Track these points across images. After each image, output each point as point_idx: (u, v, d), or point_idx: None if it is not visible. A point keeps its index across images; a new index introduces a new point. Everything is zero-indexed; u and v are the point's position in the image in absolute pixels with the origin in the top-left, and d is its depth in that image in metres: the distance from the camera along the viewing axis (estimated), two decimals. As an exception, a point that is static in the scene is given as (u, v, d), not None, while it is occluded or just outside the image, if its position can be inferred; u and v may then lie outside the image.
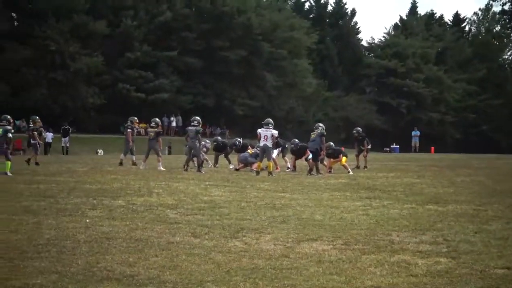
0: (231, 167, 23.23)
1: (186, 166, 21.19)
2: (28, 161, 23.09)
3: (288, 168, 22.67)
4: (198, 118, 21.73)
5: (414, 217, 10.68)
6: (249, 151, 22.83)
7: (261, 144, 20.28)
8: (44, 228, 9.02)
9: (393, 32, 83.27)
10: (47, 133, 39.02)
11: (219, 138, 27.02)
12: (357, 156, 24.72)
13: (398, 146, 54.25)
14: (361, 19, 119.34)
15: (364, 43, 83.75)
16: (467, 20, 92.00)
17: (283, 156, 23.87)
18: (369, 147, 25.08)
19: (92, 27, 52.34)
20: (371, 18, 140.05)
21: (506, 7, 74.20)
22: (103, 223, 9.60)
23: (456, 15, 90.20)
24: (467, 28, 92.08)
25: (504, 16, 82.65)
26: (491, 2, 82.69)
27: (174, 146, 44.55)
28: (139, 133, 41.19)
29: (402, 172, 21.94)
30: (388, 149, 53.65)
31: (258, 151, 21.14)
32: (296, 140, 23.30)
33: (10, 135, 18.93)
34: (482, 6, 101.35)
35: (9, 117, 19.40)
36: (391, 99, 73.61)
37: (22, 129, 42.05)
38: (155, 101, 54.64)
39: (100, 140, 46.13)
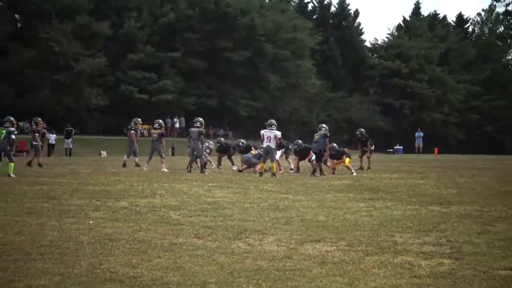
0: (234, 168, 23.22)
1: (189, 167, 21.18)
2: (29, 163, 23.10)
3: (291, 169, 22.65)
4: (200, 119, 21.73)
5: (418, 218, 10.66)
6: (252, 152, 22.83)
7: (264, 145, 20.26)
8: (47, 230, 9.02)
9: (396, 33, 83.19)
10: (51, 135, 39.10)
11: (222, 139, 27.03)
12: (361, 157, 24.68)
13: (401, 147, 54.23)
14: (364, 20, 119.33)
15: (367, 44, 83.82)
16: (471, 21, 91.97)
17: (286, 157, 23.85)
18: (373, 148, 25.04)
19: (96, 28, 52.44)
20: (375, 19, 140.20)
21: (510, 8, 74.26)
22: (106, 224, 9.61)
23: (460, 16, 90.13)
24: (470, 29, 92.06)
25: (508, 17, 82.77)
26: (494, 2, 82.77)
27: (178, 147, 44.55)
28: (142, 135, 41.26)
29: (405, 173, 21.91)
30: (391, 150, 53.63)
31: (261, 152, 21.12)
32: (299, 141, 23.29)
33: (13, 136, 18.95)
34: (486, 6, 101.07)
35: (12, 118, 19.41)
36: (394, 100, 73.55)
37: (25, 131, 42.09)
38: (159, 102, 54.71)
39: (103, 142, 46.20)
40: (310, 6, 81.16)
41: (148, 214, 10.79)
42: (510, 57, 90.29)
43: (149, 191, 14.40)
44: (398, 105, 73.36)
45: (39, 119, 24.92)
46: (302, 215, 10.90)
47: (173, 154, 42.73)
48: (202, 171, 20.45)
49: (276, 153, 20.81)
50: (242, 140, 25.01)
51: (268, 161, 20.35)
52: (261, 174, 19.81)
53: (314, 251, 7.85)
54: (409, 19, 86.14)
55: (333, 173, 21.61)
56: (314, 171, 20.41)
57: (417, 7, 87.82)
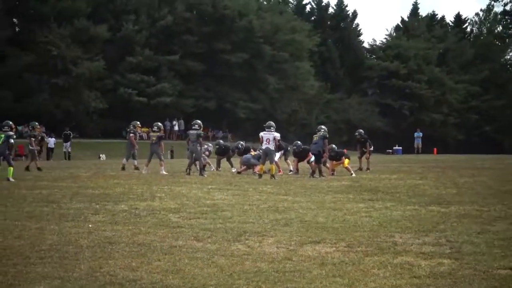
0: (233, 170, 23.20)
1: (188, 170, 21.18)
2: (27, 168, 23.07)
3: (290, 171, 22.65)
4: (199, 121, 21.73)
5: (417, 219, 10.67)
6: (252, 153, 22.83)
7: (263, 147, 20.27)
8: (46, 234, 9.02)
9: (394, 34, 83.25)
10: (50, 139, 39.12)
11: (221, 141, 27.01)
12: (360, 158, 24.71)
13: (400, 147, 54.31)
14: (362, 21, 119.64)
15: (365, 45, 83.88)
16: (469, 21, 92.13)
17: (285, 159, 23.85)
18: (372, 149, 25.07)
19: (94, 32, 52.40)
20: (373, 20, 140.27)
21: (508, 8, 74.29)
22: (106, 228, 9.60)
23: (458, 16, 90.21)
24: (468, 29, 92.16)
25: (506, 17, 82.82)
26: (492, 2, 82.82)
27: (177, 150, 44.56)
28: (141, 137, 41.22)
29: (404, 173, 21.93)
30: (390, 151, 53.69)
31: (261, 154, 21.12)
32: (299, 142, 23.28)
33: (12, 141, 18.94)
34: (484, 6, 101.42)
35: (11, 123, 19.38)
36: (393, 101, 73.58)
37: (24, 135, 42.04)
38: (157, 105, 54.71)
39: (102, 145, 46.18)
40: (308, 7, 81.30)
41: (147, 217, 10.79)
42: (508, 57, 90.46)
43: (149, 194, 14.39)
44: (397, 106, 73.40)
45: (36, 123, 24.90)
46: (301, 216, 10.90)
47: (172, 157, 42.73)
48: (201, 174, 20.44)
49: (275, 155, 20.81)
50: (241, 142, 25.00)
51: (267, 162, 20.36)
52: (260, 176, 19.81)
53: (314, 252, 7.85)
54: (407, 19, 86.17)
55: (332, 174, 21.61)
56: (313, 173, 20.42)
57: (415, 8, 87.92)
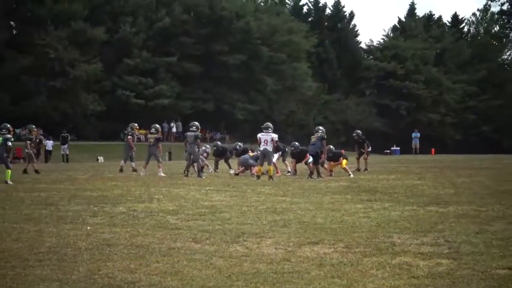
0: (231, 172, 23.21)
1: (186, 171, 21.17)
2: (25, 170, 23.04)
3: (288, 172, 22.65)
4: (196, 123, 21.72)
5: (415, 219, 10.68)
6: (249, 154, 22.82)
7: (261, 148, 20.28)
8: (45, 236, 9.02)
9: (391, 34, 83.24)
10: (47, 141, 39.10)
11: (219, 143, 26.99)
12: (358, 158, 24.73)
13: (398, 148, 54.25)
14: (359, 21, 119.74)
15: (363, 45, 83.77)
16: (466, 21, 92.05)
17: (283, 160, 23.85)
18: (369, 149, 25.07)
19: (91, 34, 52.37)
20: (370, 20, 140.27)
21: (505, 7, 74.31)
22: (104, 230, 9.60)
23: (455, 16, 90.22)
24: (466, 29, 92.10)
25: (503, 16, 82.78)
26: (489, 2, 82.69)
27: (175, 152, 44.53)
28: (139, 139, 41.28)
29: (402, 174, 21.94)
30: (388, 151, 53.64)
31: (259, 155, 21.12)
32: (296, 143, 23.27)
33: (9, 143, 18.94)
34: (481, 6, 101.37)
35: (9, 125, 19.39)
36: (390, 101, 73.55)
37: (22, 138, 42.04)
38: (155, 107, 54.71)
39: (100, 147, 46.15)
40: (305, 8, 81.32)
41: (145, 219, 10.79)
42: (505, 57, 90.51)
43: (147, 196, 14.39)
44: (394, 106, 73.38)
45: (33, 126, 24.85)
46: (299, 217, 10.91)
47: (170, 159, 42.69)
48: (199, 175, 20.44)
49: (273, 156, 20.83)
50: (239, 144, 24.98)
51: (265, 164, 20.36)
52: (258, 177, 19.81)
53: (312, 253, 7.85)
54: (404, 20, 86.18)
55: (330, 175, 21.62)
56: (311, 174, 20.42)
57: (412, 8, 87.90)
